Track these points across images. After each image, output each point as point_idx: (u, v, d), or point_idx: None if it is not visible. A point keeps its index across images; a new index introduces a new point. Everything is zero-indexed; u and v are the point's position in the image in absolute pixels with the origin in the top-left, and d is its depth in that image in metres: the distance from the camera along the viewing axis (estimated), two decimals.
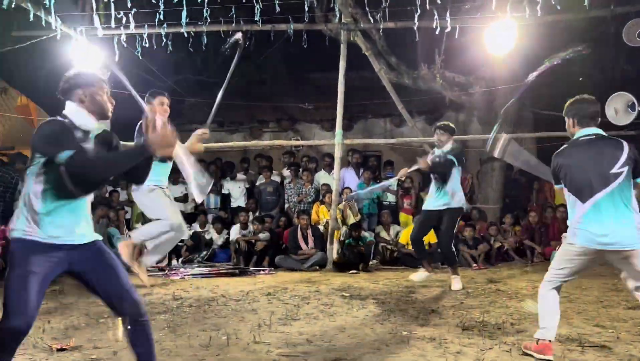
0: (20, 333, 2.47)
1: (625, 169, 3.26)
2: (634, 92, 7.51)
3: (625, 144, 3.34)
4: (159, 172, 5.02)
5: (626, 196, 3.27)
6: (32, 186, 2.59)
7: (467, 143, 10.40)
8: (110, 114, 2.84)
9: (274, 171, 9.85)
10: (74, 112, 2.73)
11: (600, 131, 3.44)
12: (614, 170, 3.25)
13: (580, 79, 8.90)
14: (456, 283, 5.88)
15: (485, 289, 5.87)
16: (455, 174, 5.93)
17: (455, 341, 3.76)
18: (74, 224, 2.64)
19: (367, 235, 8.43)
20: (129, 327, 2.65)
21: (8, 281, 2.48)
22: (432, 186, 6.08)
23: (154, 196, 5.04)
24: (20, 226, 2.55)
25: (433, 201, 6.03)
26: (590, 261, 3.40)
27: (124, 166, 2.65)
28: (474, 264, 7.92)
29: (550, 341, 3.36)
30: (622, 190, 3.25)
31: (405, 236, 8.36)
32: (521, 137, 9.41)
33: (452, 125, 6.18)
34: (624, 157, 3.27)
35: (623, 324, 4.17)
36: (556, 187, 3.56)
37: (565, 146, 3.51)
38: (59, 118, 2.71)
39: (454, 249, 6.05)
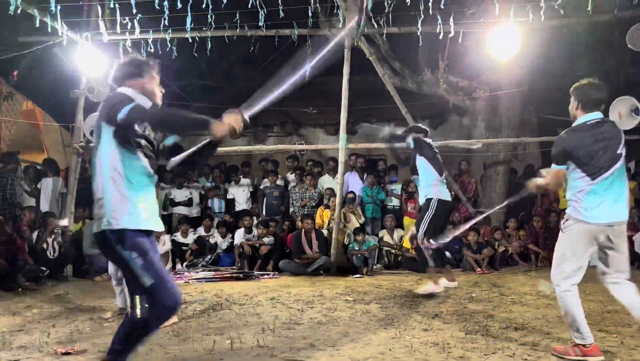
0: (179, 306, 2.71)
1: (625, 149, 3.51)
2: (638, 96, 7.50)
3: (620, 127, 3.60)
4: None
5: (624, 174, 3.54)
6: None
7: (471, 148, 10.41)
8: (160, 103, 2.92)
9: (278, 175, 9.88)
10: (135, 96, 2.78)
11: (602, 115, 3.60)
12: (619, 150, 3.47)
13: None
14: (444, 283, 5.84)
15: (489, 294, 5.86)
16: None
17: (459, 346, 3.76)
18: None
19: (371, 239, 8.45)
20: None
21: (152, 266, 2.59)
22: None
23: None
24: None
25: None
26: (590, 242, 3.49)
27: (188, 126, 2.68)
28: (478, 269, 7.91)
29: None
30: (622, 169, 3.50)
31: (408, 240, 8.38)
32: (525, 142, 9.43)
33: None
34: (623, 139, 3.53)
35: (627, 329, 4.16)
36: (556, 168, 3.60)
37: (571, 129, 3.61)
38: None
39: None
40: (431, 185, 5.85)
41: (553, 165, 3.61)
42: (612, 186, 3.43)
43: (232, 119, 2.57)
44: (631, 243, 8.04)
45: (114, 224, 2.63)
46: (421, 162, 5.89)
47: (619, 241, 3.46)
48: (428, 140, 6.01)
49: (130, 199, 2.66)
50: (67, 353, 3.73)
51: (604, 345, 3.74)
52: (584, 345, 3.41)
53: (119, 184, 2.66)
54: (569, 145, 3.50)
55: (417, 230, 5.81)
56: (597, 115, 3.56)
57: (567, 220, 3.56)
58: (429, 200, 5.83)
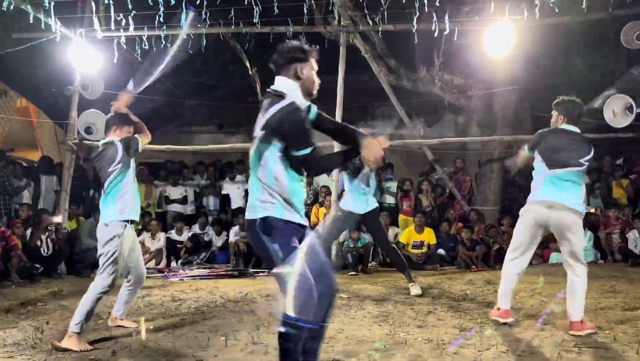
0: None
1: (587, 164, 4.16)
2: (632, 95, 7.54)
3: (591, 147, 4.19)
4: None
5: (581, 179, 4.16)
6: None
7: (466, 145, 10.42)
8: (315, 93, 2.81)
9: None
10: (291, 90, 2.66)
11: (579, 131, 4.24)
12: (582, 160, 4.11)
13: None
14: (415, 289, 5.69)
15: (483, 291, 5.88)
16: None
17: (453, 342, 3.77)
18: None
19: (366, 237, 8.45)
20: None
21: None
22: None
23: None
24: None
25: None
26: (536, 224, 4.17)
27: (336, 167, 2.76)
28: (472, 266, 7.92)
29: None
30: (580, 175, 4.14)
31: (405, 236, 8.39)
32: (520, 140, 9.44)
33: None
34: (590, 155, 4.15)
35: (620, 325, 4.19)
36: (526, 152, 4.35)
37: (552, 129, 4.26)
38: (291, 101, 2.60)
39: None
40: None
41: (526, 149, 4.35)
42: (564, 181, 4.07)
43: (376, 147, 2.64)
44: (625, 240, 8.09)
45: (261, 214, 2.64)
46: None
47: (564, 230, 4.02)
48: None
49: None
50: (60, 350, 3.72)
51: (597, 342, 3.76)
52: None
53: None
54: (540, 136, 4.21)
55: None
56: (575, 128, 4.19)
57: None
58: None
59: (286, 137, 2.56)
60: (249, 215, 2.67)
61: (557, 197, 4.04)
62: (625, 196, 9.16)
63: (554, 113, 4.26)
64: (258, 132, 2.62)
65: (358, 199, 5.84)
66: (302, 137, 2.56)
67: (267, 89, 2.73)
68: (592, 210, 9.04)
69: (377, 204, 6.00)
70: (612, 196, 9.20)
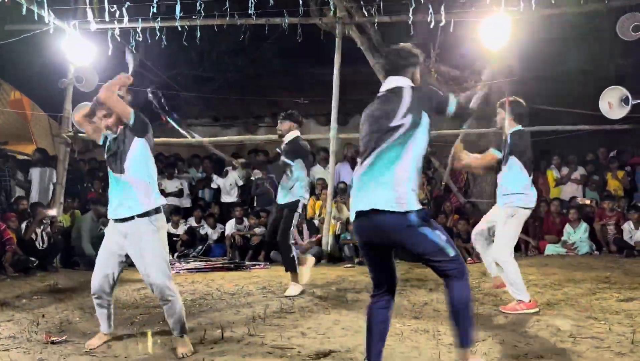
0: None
1: None
2: (628, 86, 7.53)
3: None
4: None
5: None
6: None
7: (463, 138, 10.39)
8: None
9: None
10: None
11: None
12: None
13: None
14: (292, 289, 5.32)
15: (479, 283, 5.89)
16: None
17: (449, 333, 3.76)
18: None
19: None
20: None
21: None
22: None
23: None
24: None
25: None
26: None
27: None
28: (469, 258, 7.94)
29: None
30: None
31: None
32: None
33: (295, 113, 5.73)
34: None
35: (615, 316, 4.20)
36: (495, 152, 4.72)
37: (525, 132, 4.68)
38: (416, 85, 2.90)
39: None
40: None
41: (494, 150, 4.67)
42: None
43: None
44: (620, 231, 8.12)
45: (416, 206, 2.70)
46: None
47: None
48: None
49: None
50: (56, 342, 3.71)
51: (592, 332, 3.77)
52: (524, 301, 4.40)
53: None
54: (528, 144, 4.55)
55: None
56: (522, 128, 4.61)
57: (517, 207, 4.53)
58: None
59: (434, 108, 2.81)
60: (391, 207, 2.65)
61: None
62: (620, 187, 9.18)
63: (506, 115, 4.59)
64: (399, 121, 2.71)
65: (281, 190, 5.55)
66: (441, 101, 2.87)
67: (382, 91, 2.91)
68: (588, 202, 9.07)
69: (296, 198, 5.42)
70: (608, 188, 9.22)
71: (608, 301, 4.73)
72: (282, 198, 5.48)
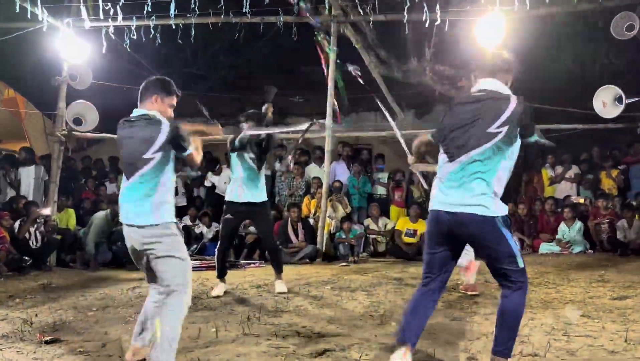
0: None
1: None
2: (621, 85, 7.56)
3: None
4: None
5: None
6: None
7: None
8: None
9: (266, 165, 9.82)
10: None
11: None
12: None
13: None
14: (280, 285, 5.34)
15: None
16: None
17: (445, 332, 3.79)
18: None
19: (357, 228, 8.46)
20: None
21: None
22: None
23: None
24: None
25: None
26: None
27: None
28: None
29: None
30: None
31: (400, 223, 8.36)
32: None
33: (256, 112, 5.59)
34: None
35: (609, 314, 4.22)
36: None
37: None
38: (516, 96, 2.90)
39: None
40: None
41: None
42: None
43: None
44: (614, 230, 8.16)
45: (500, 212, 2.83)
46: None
47: None
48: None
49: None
50: (49, 341, 3.70)
51: (586, 330, 3.79)
52: None
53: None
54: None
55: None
56: None
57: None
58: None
59: (526, 127, 2.84)
60: (478, 211, 2.78)
61: None
62: (614, 186, 9.21)
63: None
64: (493, 130, 2.78)
65: None
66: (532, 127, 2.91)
67: (480, 90, 2.93)
68: (582, 200, 9.11)
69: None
70: (602, 187, 9.26)
71: (602, 300, 4.76)
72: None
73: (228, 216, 5.29)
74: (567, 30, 8.89)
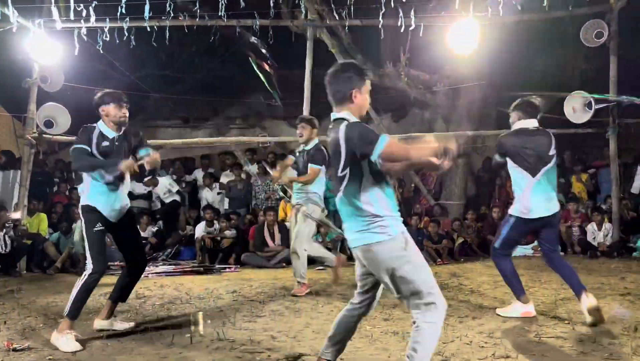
0: None
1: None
2: (591, 91, 7.75)
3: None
4: None
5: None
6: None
7: None
8: None
9: (242, 168, 9.78)
10: None
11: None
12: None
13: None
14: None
15: (448, 284, 5.96)
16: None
17: None
18: None
19: (334, 232, 8.46)
20: None
21: None
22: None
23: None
24: None
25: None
26: None
27: None
28: (438, 260, 8.04)
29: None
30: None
31: None
32: (484, 135, 9.62)
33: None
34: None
35: (579, 316, 4.30)
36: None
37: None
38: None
39: None
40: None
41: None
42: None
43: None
44: (584, 233, 8.33)
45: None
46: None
47: None
48: None
49: None
50: (17, 349, 3.61)
51: (556, 331, 3.86)
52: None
53: None
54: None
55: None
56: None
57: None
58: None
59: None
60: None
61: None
62: (584, 190, 9.41)
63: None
64: (552, 152, 4.61)
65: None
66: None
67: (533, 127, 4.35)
68: None
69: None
70: (572, 191, 9.45)
71: (572, 302, 4.84)
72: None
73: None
74: (539, 37, 9.08)
